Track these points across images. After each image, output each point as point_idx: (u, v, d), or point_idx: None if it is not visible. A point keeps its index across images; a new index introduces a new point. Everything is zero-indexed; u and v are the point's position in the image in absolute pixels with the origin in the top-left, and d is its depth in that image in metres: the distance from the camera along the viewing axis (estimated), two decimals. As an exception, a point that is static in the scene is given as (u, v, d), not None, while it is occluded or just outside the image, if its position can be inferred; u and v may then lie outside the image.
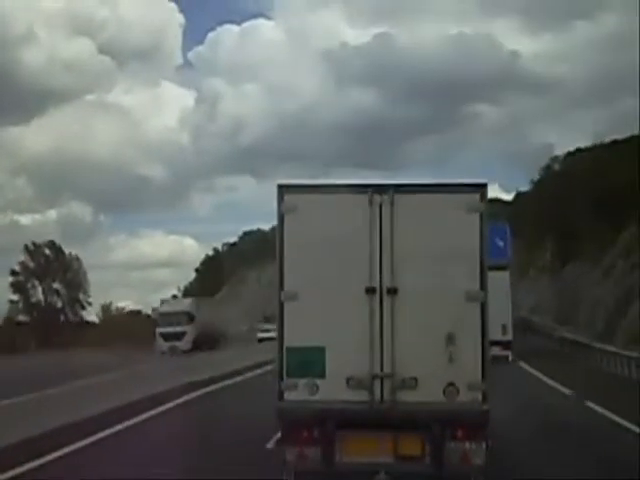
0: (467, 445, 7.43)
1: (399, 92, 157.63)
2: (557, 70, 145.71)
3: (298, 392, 7.44)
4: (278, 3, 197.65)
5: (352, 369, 7.41)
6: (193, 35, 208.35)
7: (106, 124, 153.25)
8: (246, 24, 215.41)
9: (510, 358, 26.99)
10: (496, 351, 23.21)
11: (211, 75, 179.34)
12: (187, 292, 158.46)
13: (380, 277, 7.48)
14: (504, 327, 26.51)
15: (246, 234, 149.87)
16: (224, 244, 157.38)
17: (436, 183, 7.87)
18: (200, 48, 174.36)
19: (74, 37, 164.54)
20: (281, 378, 7.51)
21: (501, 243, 28.27)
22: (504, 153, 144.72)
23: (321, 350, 7.43)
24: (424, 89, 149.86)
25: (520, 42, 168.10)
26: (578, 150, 60.83)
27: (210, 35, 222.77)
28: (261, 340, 57.80)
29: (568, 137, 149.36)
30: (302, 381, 7.45)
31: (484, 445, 7.47)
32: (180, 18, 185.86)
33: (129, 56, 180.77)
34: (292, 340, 7.48)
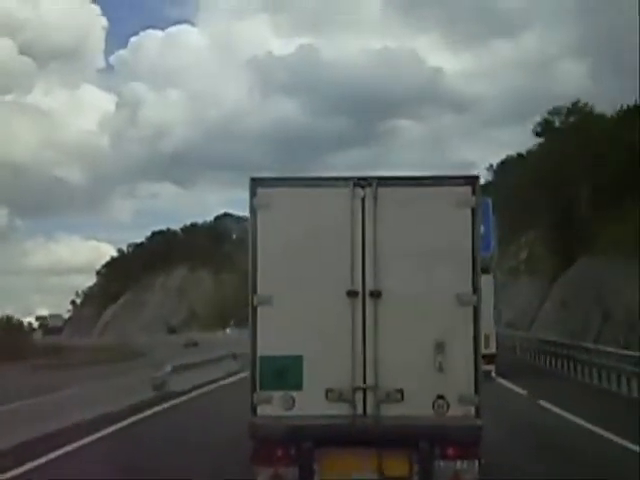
0: (458, 464, 7.84)
1: (322, 104, 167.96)
2: (477, 87, 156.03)
3: (272, 406, 7.90)
4: (203, 10, 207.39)
5: (332, 380, 7.85)
6: (116, 39, 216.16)
7: (24, 126, 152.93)
8: (170, 29, 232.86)
9: (493, 373, 27.17)
10: None
11: (133, 80, 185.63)
12: (87, 297, 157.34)
13: (363, 279, 7.91)
14: (487, 338, 26.41)
15: (155, 234, 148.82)
16: (129, 245, 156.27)
17: (424, 176, 8.37)
18: (122, 52, 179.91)
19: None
20: (254, 391, 7.92)
21: (482, 227, 25.01)
22: (425, 168, 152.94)
23: (298, 359, 7.86)
24: (347, 102, 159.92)
25: (443, 59, 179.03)
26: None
27: (133, 39, 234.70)
28: None
29: (487, 153, 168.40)
30: (277, 394, 7.89)
31: (477, 464, 7.89)
32: (103, 21, 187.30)
33: (50, 57, 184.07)
34: (266, 348, 7.93)
